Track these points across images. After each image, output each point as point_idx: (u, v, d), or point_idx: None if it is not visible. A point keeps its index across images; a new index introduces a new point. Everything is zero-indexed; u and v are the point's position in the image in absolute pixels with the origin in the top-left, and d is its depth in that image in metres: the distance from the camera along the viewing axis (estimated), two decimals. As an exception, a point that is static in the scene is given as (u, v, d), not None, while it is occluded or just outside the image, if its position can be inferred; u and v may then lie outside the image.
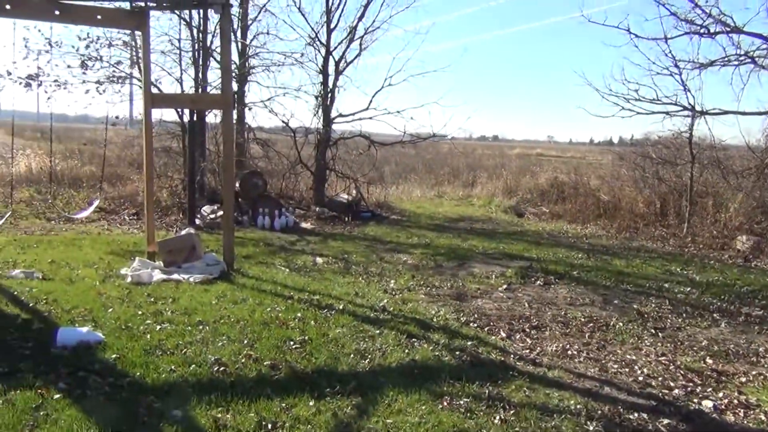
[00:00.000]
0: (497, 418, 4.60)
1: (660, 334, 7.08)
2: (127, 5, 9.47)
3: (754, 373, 5.96)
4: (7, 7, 8.25)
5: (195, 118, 14.56)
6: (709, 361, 6.25)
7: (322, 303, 7.48)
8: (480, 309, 7.77)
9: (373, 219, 15.96)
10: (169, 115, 16.83)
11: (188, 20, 15.35)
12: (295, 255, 10.84)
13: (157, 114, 17.15)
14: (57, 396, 4.44)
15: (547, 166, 28.19)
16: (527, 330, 7.01)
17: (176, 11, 14.40)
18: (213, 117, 16.96)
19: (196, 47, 15.80)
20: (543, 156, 51.00)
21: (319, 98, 17.04)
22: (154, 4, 9.96)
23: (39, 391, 4.50)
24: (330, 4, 16.90)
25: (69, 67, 14.48)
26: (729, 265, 11.46)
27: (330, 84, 17.13)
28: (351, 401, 4.71)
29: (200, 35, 15.63)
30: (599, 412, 4.84)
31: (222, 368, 5.18)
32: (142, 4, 9.62)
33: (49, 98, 14.62)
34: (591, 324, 7.33)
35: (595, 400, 5.10)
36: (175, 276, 8.44)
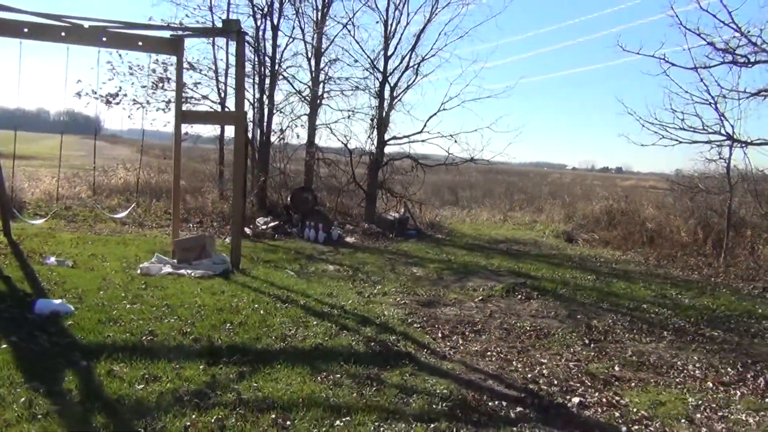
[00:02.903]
0: (356, 392, 5.24)
1: (592, 344, 7.35)
2: (166, 34, 10.96)
3: (652, 381, 6.19)
4: (62, 34, 9.83)
5: (250, 137, 15.98)
6: (617, 368, 6.51)
7: (289, 299, 8.30)
8: (436, 314, 8.31)
9: (417, 237, 16.62)
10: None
11: (254, 46, 16.82)
12: (314, 263, 11.72)
13: (229, 132, 18.94)
14: (4, 345, 5.52)
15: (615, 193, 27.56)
16: (466, 333, 7.51)
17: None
18: (281, 139, 18.46)
19: (262, 71, 17.29)
20: (654, 188, 49.44)
21: (374, 121, 18.00)
22: (190, 32, 11.51)
23: (-8, 340, 5.62)
24: (388, 31, 17.94)
25: (143, 87, 16.36)
26: (740, 293, 11.20)
27: (385, 108, 18.08)
28: (239, 369, 5.51)
29: (265, 59, 17.18)
30: (460, 396, 5.35)
31: (151, 338, 6.13)
32: (180, 32, 11.12)
33: (129, 116, 16.74)
34: (532, 332, 7.70)
35: (467, 388, 5.61)
36: (182, 271, 9.55)
